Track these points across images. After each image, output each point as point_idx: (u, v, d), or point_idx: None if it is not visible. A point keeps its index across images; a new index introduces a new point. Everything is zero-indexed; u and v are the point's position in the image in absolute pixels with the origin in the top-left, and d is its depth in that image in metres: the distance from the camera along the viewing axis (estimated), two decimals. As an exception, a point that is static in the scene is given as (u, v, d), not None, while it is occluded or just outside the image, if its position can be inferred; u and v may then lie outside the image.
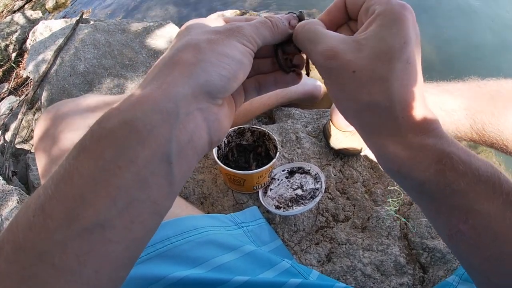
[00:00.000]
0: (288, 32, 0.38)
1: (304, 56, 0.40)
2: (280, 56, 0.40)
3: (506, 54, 1.98)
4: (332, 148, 1.02)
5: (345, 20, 0.39)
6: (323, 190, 0.86)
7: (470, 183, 0.30)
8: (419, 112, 0.32)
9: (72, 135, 0.76)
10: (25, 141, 1.63)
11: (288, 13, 0.39)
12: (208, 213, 0.88)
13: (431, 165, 0.31)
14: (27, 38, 2.20)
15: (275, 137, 0.90)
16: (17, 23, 2.29)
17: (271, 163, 0.84)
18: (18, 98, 1.83)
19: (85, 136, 0.28)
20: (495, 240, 0.30)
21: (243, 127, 0.94)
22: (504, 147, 0.79)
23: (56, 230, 0.25)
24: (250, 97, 0.41)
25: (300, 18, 0.39)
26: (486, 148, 1.36)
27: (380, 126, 0.33)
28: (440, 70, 1.82)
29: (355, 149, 1.00)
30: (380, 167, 1.00)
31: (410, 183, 0.33)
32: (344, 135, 1.00)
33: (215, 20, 0.38)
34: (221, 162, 0.85)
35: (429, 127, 0.32)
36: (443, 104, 0.82)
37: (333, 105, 1.00)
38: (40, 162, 0.79)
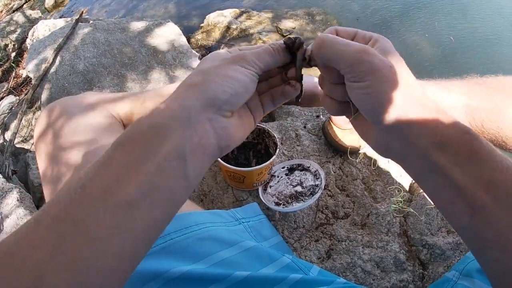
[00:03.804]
0: (287, 57, 0.44)
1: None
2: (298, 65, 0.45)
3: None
4: (331, 146, 1.02)
5: None
6: (323, 187, 0.86)
7: (489, 154, 0.34)
8: None
9: (71, 134, 0.76)
10: (25, 140, 1.63)
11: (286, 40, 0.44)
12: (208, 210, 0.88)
13: (463, 135, 0.35)
14: (27, 37, 2.19)
15: (275, 135, 0.90)
16: (17, 23, 2.29)
17: (271, 160, 0.84)
18: (17, 97, 1.83)
19: (122, 135, 0.36)
20: None
21: (243, 124, 0.94)
22: (503, 143, 0.79)
23: (93, 204, 0.31)
24: (268, 109, 0.47)
25: (295, 44, 0.43)
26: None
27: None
28: (439, 68, 1.82)
29: (354, 147, 1.00)
30: (379, 164, 1.00)
31: (444, 157, 0.35)
32: (344, 133, 1.00)
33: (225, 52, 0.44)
34: (221, 159, 0.86)
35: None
36: (442, 102, 0.82)
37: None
38: (41, 160, 0.79)
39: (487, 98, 0.78)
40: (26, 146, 1.60)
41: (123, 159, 0.34)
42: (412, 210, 0.90)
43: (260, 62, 0.41)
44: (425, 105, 0.38)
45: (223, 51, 0.43)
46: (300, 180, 0.91)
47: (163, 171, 0.34)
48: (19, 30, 2.25)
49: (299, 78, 0.46)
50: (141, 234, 0.33)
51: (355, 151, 1.02)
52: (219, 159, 0.84)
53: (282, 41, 0.44)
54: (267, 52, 0.42)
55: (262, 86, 0.47)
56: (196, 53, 1.82)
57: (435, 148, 0.36)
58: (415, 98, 0.38)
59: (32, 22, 2.31)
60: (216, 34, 2.15)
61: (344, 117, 0.91)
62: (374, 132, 0.41)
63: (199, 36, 2.17)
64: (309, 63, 0.44)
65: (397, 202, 0.91)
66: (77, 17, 1.84)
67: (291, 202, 0.86)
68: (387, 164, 1.01)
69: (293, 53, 0.44)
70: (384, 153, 0.42)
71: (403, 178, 0.98)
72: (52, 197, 0.33)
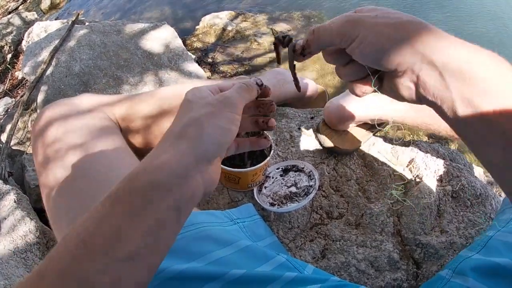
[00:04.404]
0: (258, 91, 0.51)
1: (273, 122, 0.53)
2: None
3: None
4: (325, 147, 1.03)
5: None
6: (317, 187, 0.88)
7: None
8: None
9: (68, 135, 0.77)
10: (21, 142, 1.63)
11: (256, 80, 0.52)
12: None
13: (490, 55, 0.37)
14: (22, 39, 2.19)
15: (269, 136, 0.91)
16: (13, 24, 2.29)
17: (266, 161, 0.85)
18: (13, 99, 1.83)
19: (119, 188, 0.37)
20: None
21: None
22: None
23: (97, 260, 0.33)
24: (230, 153, 0.52)
25: (285, 39, 0.50)
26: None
27: None
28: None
29: (347, 149, 1.02)
30: (373, 165, 1.02)
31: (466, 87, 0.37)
32: (337, 134, 1.01)
33: (206, 88, 0.48)
34: (217, 160, 0.86)
35: None
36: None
37: (327, 104, 1.01)
38: (37, 162, 0.79)
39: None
40: (22, 148, 1.60)
41: (124, 214, 0.35)
42: (408, 202, 0.91)
43: (243, 100, 0.46)
44: (426, 30, 0.39)
45: (204, 89, 0.47)
46: (294, 181, 0.92)
47: (163, 223, 0.36)
48: (15, 32, 2.25)
49: (292, 69, 0.52)
50: (143, 279, 0.36)
51: (349, 152, 1.03)
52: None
53: (275, 38, 0.52)
54: (245, 90, 0.47)
55: None
56: (192, 55, 1.82)
57: (454, 74, 0.37)
58: (415, 24, 0.40)
59: (28, 23, 2.31)
60: (212, 36, 2.16)
61: (338, 118, 0.92)
62: (397, 83, 0.43)
63: (194, 38, 2.18)
64: (303, 53, 0.48)
65: (397, 188, 0.93)
66: (73, 19, 1.85)
67: (286, 203, 0.87)
68: (380, 165, 1.02)
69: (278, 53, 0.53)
70: (415, 99, 0.43)
71: (396, 179, 1.00)
72: (51, 252, 0.35)
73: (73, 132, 0.77)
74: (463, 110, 0.37)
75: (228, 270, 0.57)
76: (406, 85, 0.42)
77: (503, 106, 0.35)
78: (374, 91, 0.48)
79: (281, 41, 0.50)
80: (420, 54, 0.39)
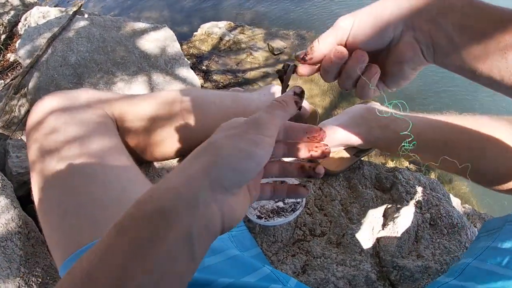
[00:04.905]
0: (295, 109, 0.45)
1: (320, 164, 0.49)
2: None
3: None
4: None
5: None
6: (304, 205, 0.90)
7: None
8: None
9: (67, 128, 0.77)
10: (6, 126, 1.60)
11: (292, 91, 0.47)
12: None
13: None
14: (19, 21, 2.16)
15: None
16: (11, 5, 2.25)
17: (258, 173, 0.87)
18: (2, 81, 1.80)
19: (125, 216, 0.34)
20: None
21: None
22: (480, 180, 0.85)
23: None
24: (264, 198, 0.47)
25: (284, 67, 0.55)
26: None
27: None
28: (423, 100, 1.90)
29: (333, 170, 1.05)
30: (357, 187, 1.05)
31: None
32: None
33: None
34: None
35: None
36: (424, 135, 0.88)
37: (319, 125, 1.05)
38: (31, 150, 0.79)
39: (465, 135, 0.84)
40: (6, 132, 1.57)
41: (128, 247, 0.32)
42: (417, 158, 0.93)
43: (274, 119, 0.40)
44: None
45: (241, 117, 0.42)
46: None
47: (172, 256, 0.33)
48: (12, 13, 2.21)
49: (285, 90, 0.57)
50: None
51: (335, 173, 1.07)
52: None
53: (277, 73, 0.56)
54: (274, 106, 0.42)
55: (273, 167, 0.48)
56: (188, 61, 1.84)
57: (439, 10, 0.42)
58: None
59: (26, 6, 2.28)
60: (209, 44, 2.18)
61: (328, 141, 0.95)
62: (402, 49, 0.46)
63: (191, 44, 2.20)
64: (304, 58, 0.52)
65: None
66: (75, 9, 1.84)
67: (273, 217, 0.89)
68: (364, 189, 1.06)
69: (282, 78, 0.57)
70: (420, 53, 0.46)
71: (378, 201, 1.03)
72: (57, 285, 0.33)
73: (71, 125, 0.78)
74: (458, 36, 0.42)
75: (216, 278, 0.59)
76: (409, 42, 0.46)
77: (494, 24, 0.40)
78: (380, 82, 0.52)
79: (282, 70, 0.56)
80: (408, 6, 0.44)
